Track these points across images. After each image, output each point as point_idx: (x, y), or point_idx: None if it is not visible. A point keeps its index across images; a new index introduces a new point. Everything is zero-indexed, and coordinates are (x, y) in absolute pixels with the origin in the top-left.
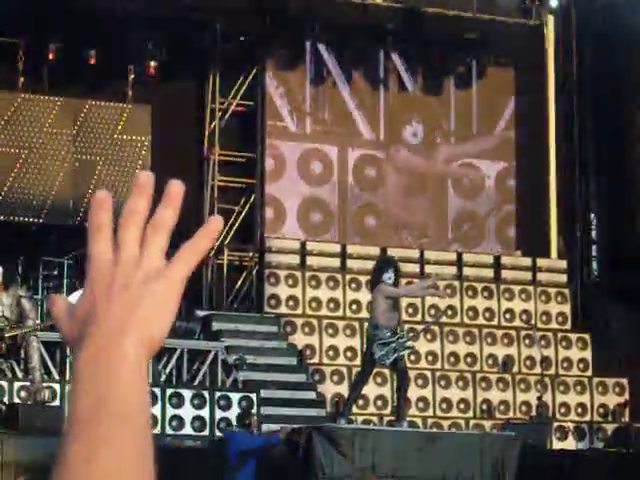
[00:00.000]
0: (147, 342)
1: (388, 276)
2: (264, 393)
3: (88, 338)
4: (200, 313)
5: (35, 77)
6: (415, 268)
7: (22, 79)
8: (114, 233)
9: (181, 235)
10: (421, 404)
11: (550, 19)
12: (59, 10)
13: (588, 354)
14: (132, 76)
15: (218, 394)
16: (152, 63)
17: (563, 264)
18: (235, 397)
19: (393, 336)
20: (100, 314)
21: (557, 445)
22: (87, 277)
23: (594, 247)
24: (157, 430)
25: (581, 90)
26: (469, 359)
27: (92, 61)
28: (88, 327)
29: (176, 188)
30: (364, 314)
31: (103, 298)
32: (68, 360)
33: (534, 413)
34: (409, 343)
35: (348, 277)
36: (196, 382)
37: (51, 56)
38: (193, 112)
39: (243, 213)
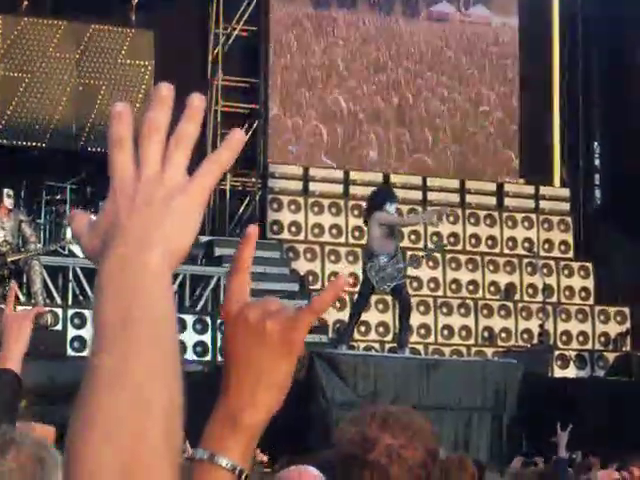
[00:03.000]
0: (171, 255)
1: (392, 207)
2: None
3: (111, 250)
4: (202, 238)
5: (38, 1)
6: (418, 195)
7: (25, 3)
8: (135, 146)
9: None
10: (423, 331)
11: None
12: None
13: (590, 283)
14: (136, 0)
15: (220, 320)
16: None
17: (566, 192)
18: None
19: (389, 261)
20: (123, 227)
21: (558, 373)
22: (109, 189)
23: (597, 176)
24: None
25: (586, 18)
26: (471, 286)
27: None
28: (111, 239)
29: (197, 101)
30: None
31: (126, 212)
32: (70, 285)
33: (536, 341)
34: (407, 270)
35: (351, 203)
36: (198, 307)
37: None
38: (196, 37)
39: (246, 138)
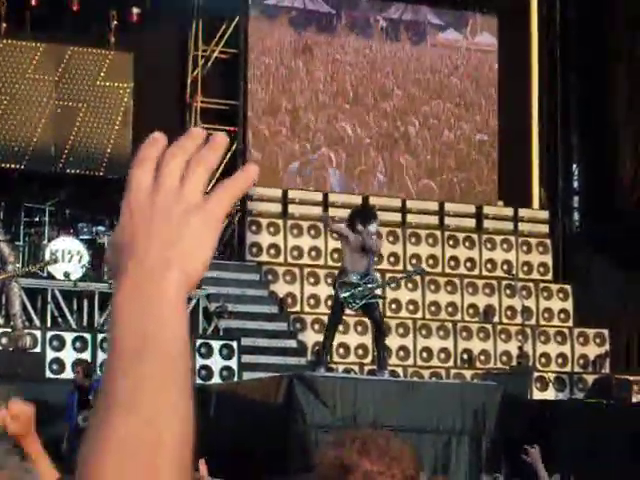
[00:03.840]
0: (187, 278)
1: (369, 228)
2: (245, 341)
3: (128, 271)
4: None
5: (17, 23)
6: (397, 217)
7: (4, 25)
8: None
9: None
10: (402, 353)
11: None
12: None
13: (569, 305)
14: (115, 22)
15: (199, 342)
16: (135, 10)
17: (545, 214)
18: (216, 345)
19: (360, 280)
20: (139, 246)
21: (538, 395)
22: (124, 206)
23: (576, 198)
24: None
25: (564, 41)
26: (450, 308)
27: (75, 7)
28: (127, 259)
29: (221, 138)
30: None
31: (142, 229)
32: (49, 307)
33: (515, 363)
34: (378, 291)
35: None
36: None
37: (33, 2)
38: (176, 59)
39: (225, 161)
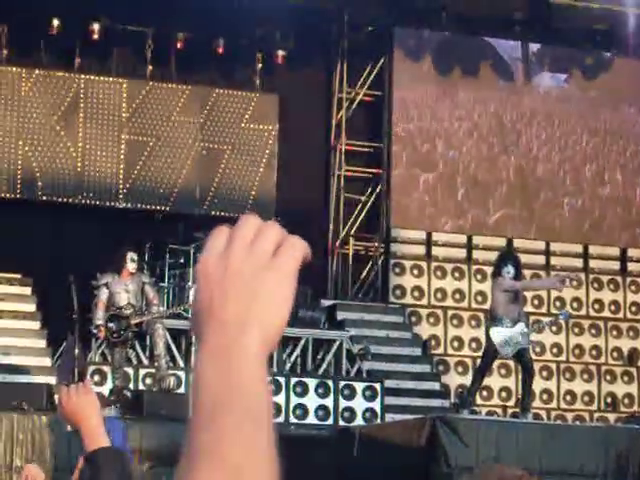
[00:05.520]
0: (266, 335)
1: (507, 270)
2: (388, 383)
3: (208, 333)
4: (325, 302)
5: (163, 65)
6: (541, 260)
7: (150, 67)
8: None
9: (310, 221)
10: (545, 396)
11: None
12: None
13: None
14: (260, 65)
15: (342, 383)
16: (280, 52)
17: None
18: (359, 386)
19: (513, 327)
20: (217, 307)
21: None
22: (197, 272)
23: None
24: (281, 418)
25: None
26: (594, 352)
27: (220, 50)
28: (207, 321)
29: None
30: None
31: (217, 291)
32: (193, 348)
33: None
34: (531, 336)
35: (474, 268)
36: (320, 371)
37: (179, 45)
38: (320, 101)
39: (369, 203)
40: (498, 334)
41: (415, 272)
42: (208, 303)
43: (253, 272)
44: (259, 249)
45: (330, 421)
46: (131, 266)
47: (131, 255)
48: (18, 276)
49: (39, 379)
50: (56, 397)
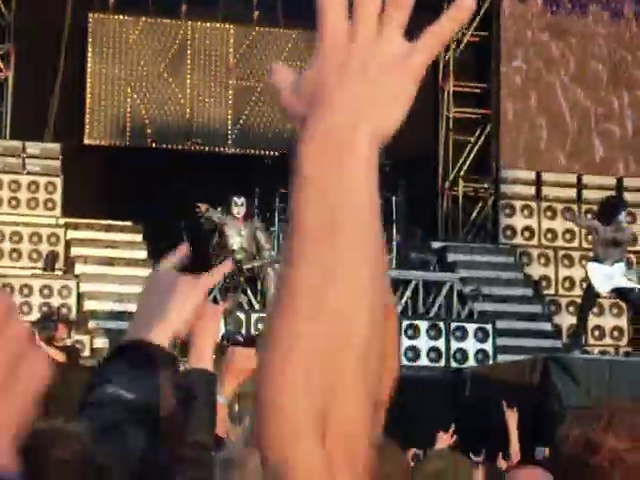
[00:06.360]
0: (379, 134)
1: (622, 217)
2: (500, 324)
3: (316, 120)
4: (435, 244)
5: (270, 10)
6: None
7: (257, 12)
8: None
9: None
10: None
11: None
12: None
13: None
14: None
15: (454, 325)
16: None
17: None
18: (471, 328)
19: (611, 266)
20: (332, 95)
21: None
22: (318, 50)
23: None
24: None
25: None
26: None
27: None
28: (318, 105)
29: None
30: None
31: (336, 77)
32: None
33: None
34: (631, 275)
35: (584, 207)
36: (431, 313)
37: None
38: None
39: (478, 144)
40: (594, 270)
41: (525, 213)
42: (320, 89)
43: (379, 68)
44: (388, 42)
45: (442, 363)
46: (235, 210)
47: (235, 199)
48: (129, 224)
49: None
50: None
